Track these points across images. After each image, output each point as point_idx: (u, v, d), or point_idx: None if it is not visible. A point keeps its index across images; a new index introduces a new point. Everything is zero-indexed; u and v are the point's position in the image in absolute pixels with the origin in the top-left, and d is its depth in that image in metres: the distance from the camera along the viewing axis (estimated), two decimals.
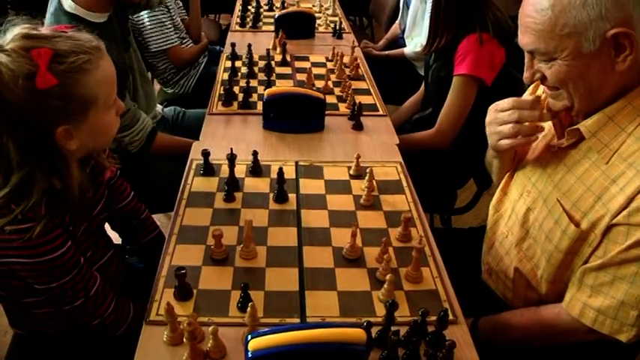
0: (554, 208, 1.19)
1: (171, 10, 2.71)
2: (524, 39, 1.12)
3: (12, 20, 1.08)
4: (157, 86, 2.93)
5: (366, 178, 1.51)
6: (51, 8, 1.83)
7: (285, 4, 3.07)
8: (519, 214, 1.31)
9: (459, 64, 1.94)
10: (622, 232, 1.06)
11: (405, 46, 3.01)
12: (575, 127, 1.15)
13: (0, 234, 1.06)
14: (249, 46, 2.28)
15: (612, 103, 1.10)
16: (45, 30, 1.08)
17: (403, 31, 3.12)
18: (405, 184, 1.58)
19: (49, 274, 1.12)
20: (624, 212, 1.05)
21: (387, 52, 3.07)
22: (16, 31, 1.05)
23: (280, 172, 1.45)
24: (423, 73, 2.47)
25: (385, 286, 1.17)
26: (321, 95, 1.80)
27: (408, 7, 3.03)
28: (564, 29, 1.03)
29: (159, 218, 1.59)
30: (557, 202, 1.18)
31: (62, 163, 1.10)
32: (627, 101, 1.09)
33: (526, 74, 1.18)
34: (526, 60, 1.17)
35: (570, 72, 1.07)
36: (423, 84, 2.37)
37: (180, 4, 2.98)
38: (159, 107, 2.34)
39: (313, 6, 3.17)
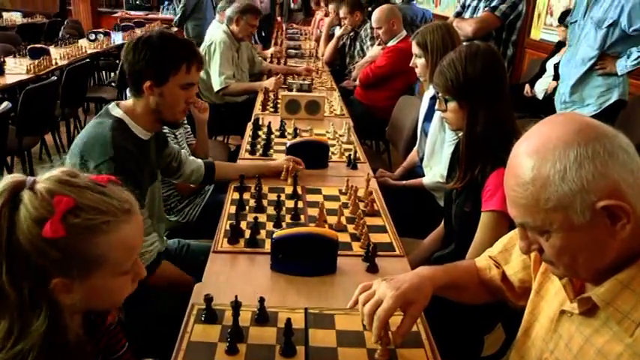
0: None
1: (178, 136, 2.81)
2: (512, 212, 1.12)
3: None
4: None
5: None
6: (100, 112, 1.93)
7: (298, 131, 3.17)
8: None
9: (488, 199, 1.94)
10: None
11: (423, 175, 3.04)
12: (587, 295, 1.11)
13: None
14: (259, 177, 2.32)
15: (622, 267, 1.06)
16: (81, 179, 1.10)
17: (421, 160, 3.16)
18: (424, 336, 1.52)
19: None
20: None
21: (404, 182, 3.07)
22: (55, 172, 1.08)
23: (288, 323, 1.41)
24: (442, 204, 2.48)
25: None
26: (333, 235, 1.80)
27: (426, 135, 3.08)
28: (548, 203, 1.03)
29: None
30: None
31: (54, 314, 1.07)
32: None
33: (521, 244, 1.16)
34: (518, 230, 1.16)
35: (566, 244, 1.05)
36: (444, 219, 2.37)
37: (188, 128, 3.09)
38: None
39: (327, 132, 3.27)
